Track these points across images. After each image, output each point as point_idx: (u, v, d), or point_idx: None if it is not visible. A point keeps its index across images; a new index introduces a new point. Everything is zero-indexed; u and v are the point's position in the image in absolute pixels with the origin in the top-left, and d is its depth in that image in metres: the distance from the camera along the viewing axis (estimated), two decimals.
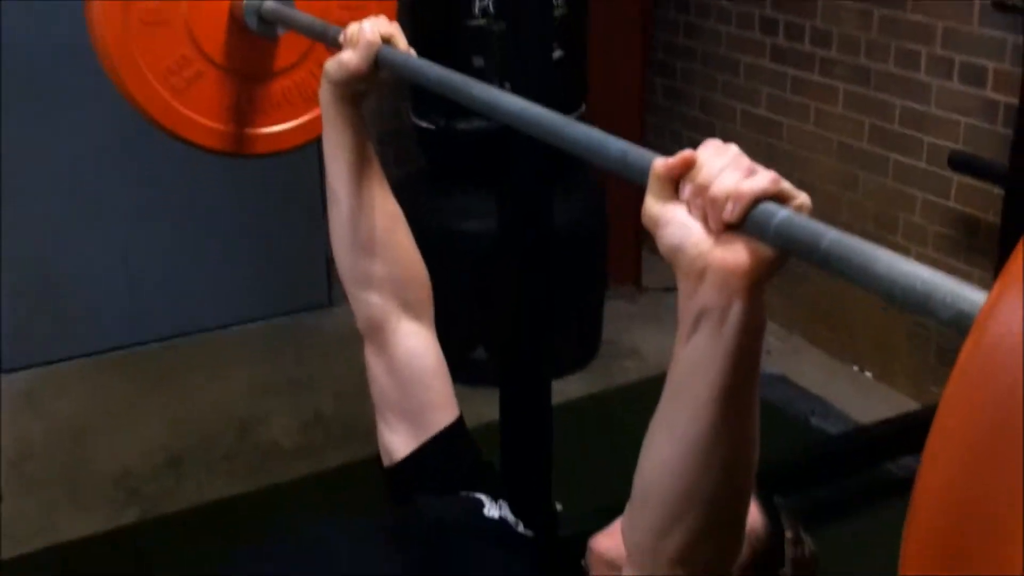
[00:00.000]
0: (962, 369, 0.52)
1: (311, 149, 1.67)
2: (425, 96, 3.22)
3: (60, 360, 3.35)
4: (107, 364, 3.39)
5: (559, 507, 2.18)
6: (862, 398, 3.17)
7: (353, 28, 1.32)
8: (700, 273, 0.79)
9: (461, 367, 3.22)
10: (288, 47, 1.56)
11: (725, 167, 0.79)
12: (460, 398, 3.57)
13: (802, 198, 0.79)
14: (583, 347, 3.40)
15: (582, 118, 3.23)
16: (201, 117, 1.55)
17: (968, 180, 2.87)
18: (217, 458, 2.90)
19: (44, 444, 3.01)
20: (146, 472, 2.87)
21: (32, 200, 3.28)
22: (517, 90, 2.03)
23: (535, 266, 2.03)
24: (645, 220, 0.84)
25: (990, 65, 2.78)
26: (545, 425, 2.12)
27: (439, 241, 3.23)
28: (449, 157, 3.24)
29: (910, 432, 2.74)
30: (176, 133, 1.55)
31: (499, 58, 2.97)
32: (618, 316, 3.65)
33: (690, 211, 0.81)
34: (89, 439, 3.03)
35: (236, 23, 1.52)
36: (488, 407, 3.04)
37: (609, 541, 1.25)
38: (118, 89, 1.52)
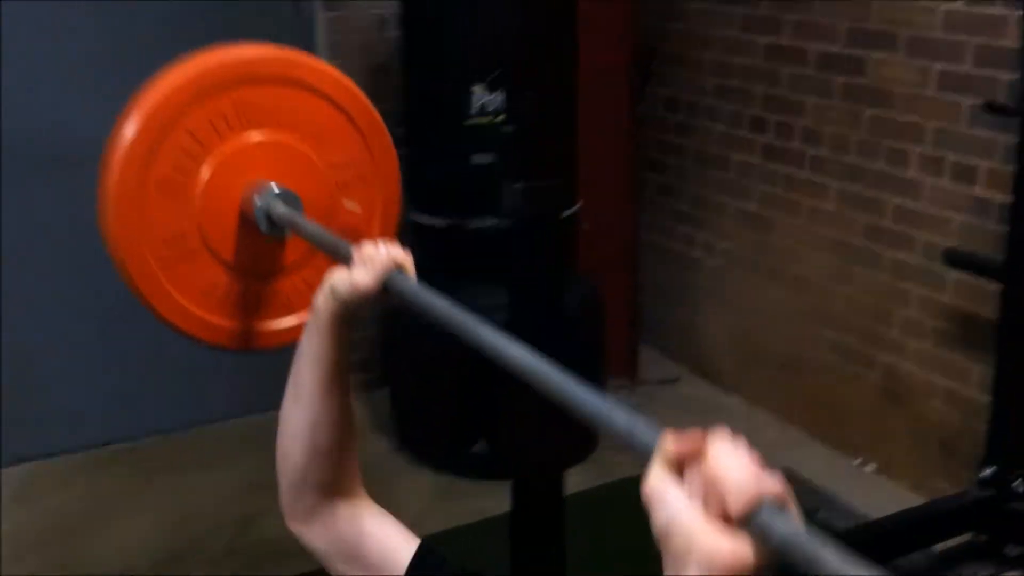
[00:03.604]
0: None
1: None
2: (426, 192, 3.27)
3: (53, 454, 3.30)
4: (101, 458, 3.35)
5: None
6: (864, 491, 3.17)
7: (369, 249, 1.32)
8: (686, 558, 0.82)
9: (462, 462, 3.27)
10: (295, 244, 1.57)
11: (736, 463, 0.82)
12: (462, 493, 3.53)
13: (795, 509, 0.83)
14: (582, 440, 3.40)
15: (576, 215, 3.29)
16: (212, 317, 1.56)
17: (963, 275, 2.93)
18: (218, 554, 2.85)
19: (41, 540, 2.95)
20: (146, 568, 2.82)
21: (20, 292, 3.29)
22: (531, 187, 2.10)
23: (547, 360, 2.05)
24: (646, 492, 0.84)
25: (981, 164, 2.87)
26: (558, 517, 2.11)
27: (438, 336, 3.24)
28: (451, 253, 3.27)
29: (918, 527, 2.75)
30: (189, 333, 1.56)
31: (509, 156, 3.03)
32: None
33: (690, 495, 0.83)
34: (87, 535, 2.97)
35: (246, 224, 1.53)
36: (491, 500, 3.04)
37: None
38: (155, 316, 1.53)
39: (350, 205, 1.60)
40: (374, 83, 3.60)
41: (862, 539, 2.69)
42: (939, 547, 2.79)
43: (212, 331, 1.56)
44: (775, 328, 3.62)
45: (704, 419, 3.68)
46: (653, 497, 0.83)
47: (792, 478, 3.24)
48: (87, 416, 3.40)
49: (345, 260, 1.37)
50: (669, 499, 0.82)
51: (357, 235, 1.59)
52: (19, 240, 3.24)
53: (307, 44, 3.55)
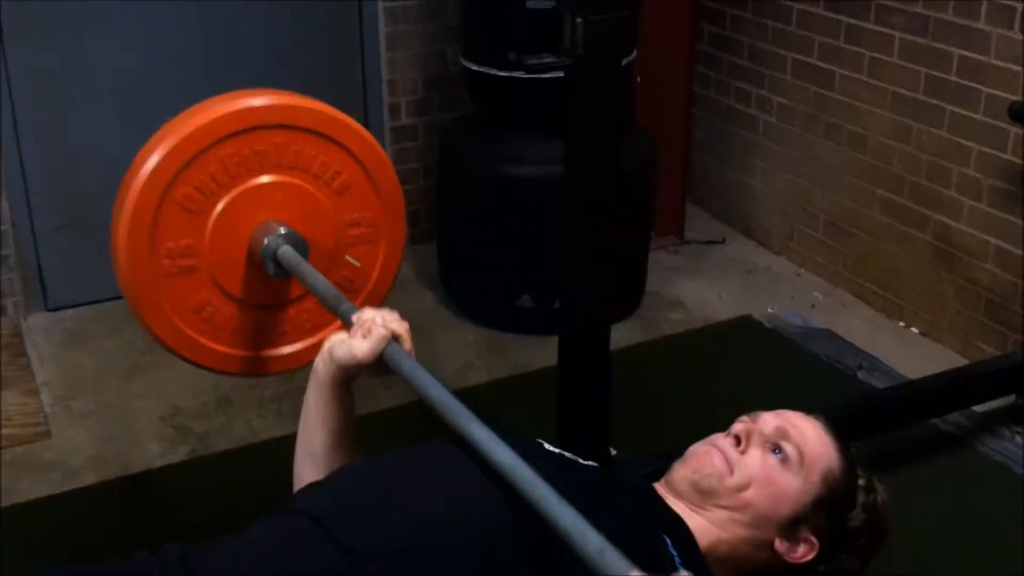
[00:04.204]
0: None
1: None
2: (479, 40, 3.18)
3: (107, 299, 3.36)
4: None
5: (613, 452, 2.19)
6: (909, 353, 3.14)
7: (367, 316, 1.32)
8: None
9: (507, 315, 3.28)
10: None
11: None
12: (506, 346, 3.56)
13: None
14: (628, 297, 3.39)
15: (632, 64, 3.19)
16: (220, 346, 1.60)
17: None
18: (266, 399, 2.92)
19: (93, 380, 3.04)
20: (196, 410, 2.90)
21: (70, 136, 3.30)
22: (592, 24, 2.00)
23: (601, 213, 2.01)
24: None
25: None
26: (604, 369, 2.12)
27: (488, 187, 3.21)
28: (502, 101, 3.19)
29: (959, 387, 2.73)
30: (196, 362, 1.61)
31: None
32: (661, 267, 3.64)
33: None
34: (136, 378, 3.05)
35: (253, 262, 1.57)
36: (535, 354, 3.06)
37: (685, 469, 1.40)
38: (139, 321, 1.57)
39: (352, 260, 1.65)
40: None
41: (901, 397, 2.69)
42: (980, 408, 2.78)
43: (201, 353, 1.59)
44: (827, 188, 3.54)
45: (750, 280, 3.65)
46: None
47: (835, 339, 3.25)
48: None
49: (344, 320, 1.37)
50: None
51: (354, 284, 1.66)
52: (71, 82, 3.26)
53: None
